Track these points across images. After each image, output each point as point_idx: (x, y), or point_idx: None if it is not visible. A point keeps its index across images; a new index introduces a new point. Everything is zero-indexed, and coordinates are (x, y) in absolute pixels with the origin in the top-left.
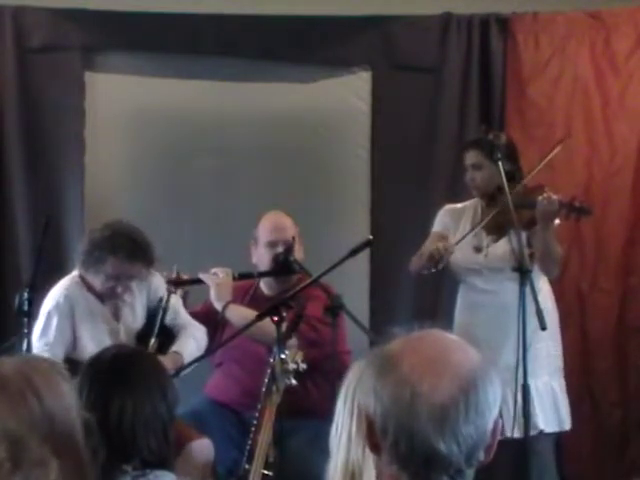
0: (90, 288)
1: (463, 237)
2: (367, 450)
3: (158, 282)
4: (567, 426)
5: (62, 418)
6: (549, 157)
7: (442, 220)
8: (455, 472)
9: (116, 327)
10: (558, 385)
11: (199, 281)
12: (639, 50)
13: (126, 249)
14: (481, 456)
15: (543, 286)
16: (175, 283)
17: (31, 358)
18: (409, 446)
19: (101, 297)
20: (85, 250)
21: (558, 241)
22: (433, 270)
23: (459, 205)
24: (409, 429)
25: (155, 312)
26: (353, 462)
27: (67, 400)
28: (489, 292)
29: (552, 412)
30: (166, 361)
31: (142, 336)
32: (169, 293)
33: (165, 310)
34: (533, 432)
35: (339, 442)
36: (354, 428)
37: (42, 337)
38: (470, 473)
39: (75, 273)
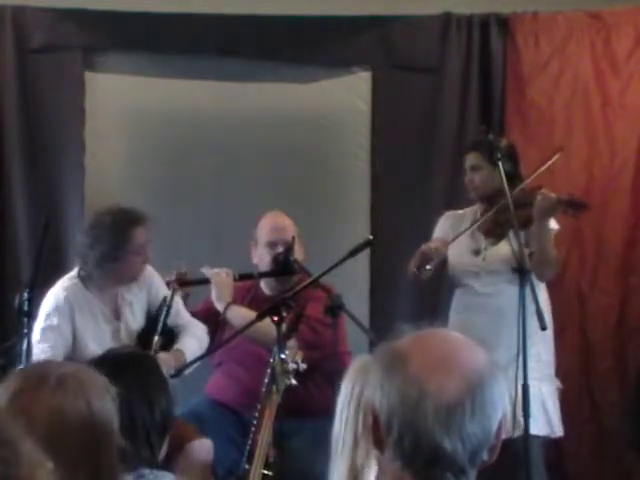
0: (89, 287)
1: (457, 235)
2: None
3: (158, 282)
4: (559, 432)
5: (103, 423)
6: (545, 166)
7: (442, 226)
8: (459, 471)
9: (117, 326)
10: (547, 391)
11: (204, 282)
12: (639, 50)
13: (132, 215)
14: (485, 456)
15: (541, 292)
16: (181, 283)
17: (87, 368)
18: (413, 443)
19: (129, 278)
20: (105, 246)
21: (557, 243)
22: (421, 269)
23: (460, 211)
24: (414, 426)
25: (159, 310)
26: (359, 459)
27: (109, 408)
28: (486, 295)
29: (540, 415)
30: (169, 358)
31: (145, 334)
32: (173, 291)
33: (169, 307)
34: (518, 433)
35: (343, 440)
36: (360, 426)
37: (42, 339)
38: (473, 473)
39: (73, 273)
